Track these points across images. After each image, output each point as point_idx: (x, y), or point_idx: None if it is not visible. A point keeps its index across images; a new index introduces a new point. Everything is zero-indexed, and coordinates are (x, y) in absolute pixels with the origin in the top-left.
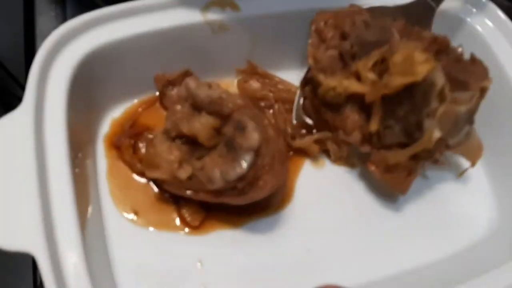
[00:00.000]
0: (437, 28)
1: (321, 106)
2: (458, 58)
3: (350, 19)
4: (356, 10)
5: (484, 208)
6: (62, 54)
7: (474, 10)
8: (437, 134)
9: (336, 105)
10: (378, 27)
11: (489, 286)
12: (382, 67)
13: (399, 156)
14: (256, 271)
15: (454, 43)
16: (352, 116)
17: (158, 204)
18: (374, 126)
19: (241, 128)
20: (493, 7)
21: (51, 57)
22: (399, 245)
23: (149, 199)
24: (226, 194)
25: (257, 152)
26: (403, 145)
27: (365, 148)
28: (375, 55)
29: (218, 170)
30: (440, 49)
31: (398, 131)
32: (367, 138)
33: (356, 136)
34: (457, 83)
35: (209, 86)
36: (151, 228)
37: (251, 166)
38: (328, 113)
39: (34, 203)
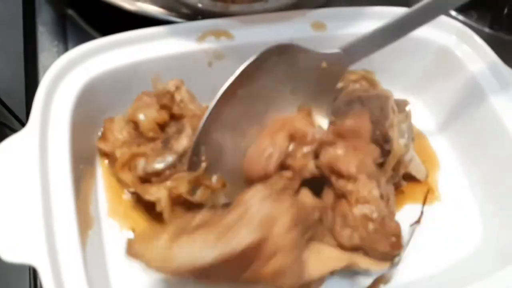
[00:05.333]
0: (418, 55)
1: None
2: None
3: None
4: None
5: (469, 225)
6: (65, 80)
7: (453, 36)
8: (402, 141)
9: None
10: None
11: None
12: None
13: (384, 171)
14: None
15: (434, 68)
16: None
17: (155, 223)
18: None
19: (179, 132)
20: (471, 33)
21: (55, 83)
22: None
23: (147, 218)
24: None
25: (180, 157)
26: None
27: None
28: None
29: (143, 161)
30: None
31: None
32: None
33: None
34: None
35: (175, 88)
36: None
37: (169, 167)
38: None
39: (37, 217)
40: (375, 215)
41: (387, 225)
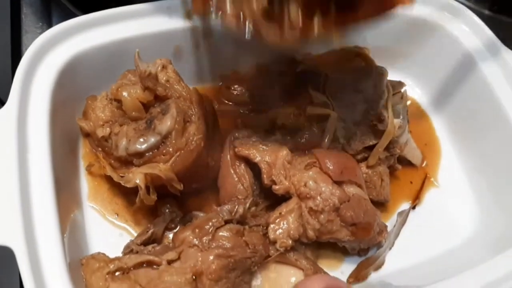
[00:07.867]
0: (416, 34)
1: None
2: None
3: None
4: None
5: (466, 212)
6: (47, 58)
7: (452, 16)
8: (397, 121)
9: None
10: None
11: (469, 284)
12: None
13: (376, 152)
14: None
15: (433, 48)
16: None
17: (138, 207)
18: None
19: (164, 113)
20: (470, 13)
21: (36, 61)
22: None
23: (130, 202)
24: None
25: (163, 139)
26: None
27: None
28: None
29: (125, 141)
30: None
31: (361, 135)
32: None
33: None
34: None
35: (162, 67)
36: (130, 229)
37: (151, 148)
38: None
39: (14, 198)
40: (320, 206)
41: (342, 215)
